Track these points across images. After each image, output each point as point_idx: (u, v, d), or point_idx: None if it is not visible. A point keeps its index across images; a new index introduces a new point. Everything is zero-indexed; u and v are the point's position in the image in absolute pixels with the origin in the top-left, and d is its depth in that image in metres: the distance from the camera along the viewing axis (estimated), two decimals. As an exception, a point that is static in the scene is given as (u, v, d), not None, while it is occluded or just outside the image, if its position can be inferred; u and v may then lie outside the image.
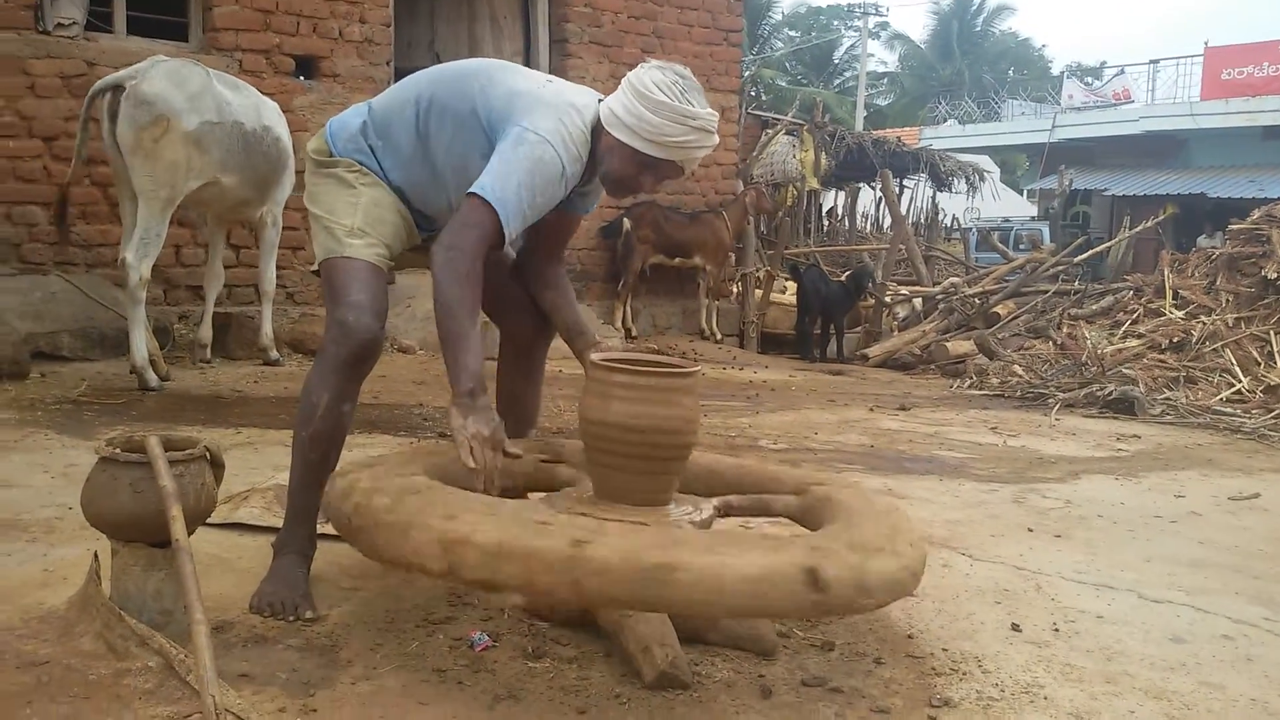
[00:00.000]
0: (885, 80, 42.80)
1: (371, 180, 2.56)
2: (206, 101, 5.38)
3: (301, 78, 7.50)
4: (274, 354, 6.39)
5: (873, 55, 40.17)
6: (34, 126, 6.50)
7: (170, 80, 5.28)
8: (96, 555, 2.26)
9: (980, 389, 7.65)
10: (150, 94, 5.20)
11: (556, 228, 2.63)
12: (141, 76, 5.23)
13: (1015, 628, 2.55)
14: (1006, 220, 24.67)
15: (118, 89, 5.22)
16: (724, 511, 2.46)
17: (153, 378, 5.28)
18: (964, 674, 2.26)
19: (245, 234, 7.26)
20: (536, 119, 2.37)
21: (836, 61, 40.95)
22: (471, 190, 2.33)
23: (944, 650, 2.38)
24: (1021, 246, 19.74)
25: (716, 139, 2.49)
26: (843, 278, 10.98)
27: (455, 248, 2.29)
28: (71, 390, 5.14)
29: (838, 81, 39.40)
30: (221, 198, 5.61)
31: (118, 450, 2.22)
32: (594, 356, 2.37)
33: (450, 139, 2.51)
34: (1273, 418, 6.03)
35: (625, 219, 9.06)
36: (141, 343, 5.31)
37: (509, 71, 2.55)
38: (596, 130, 2.46)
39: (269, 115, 5.82)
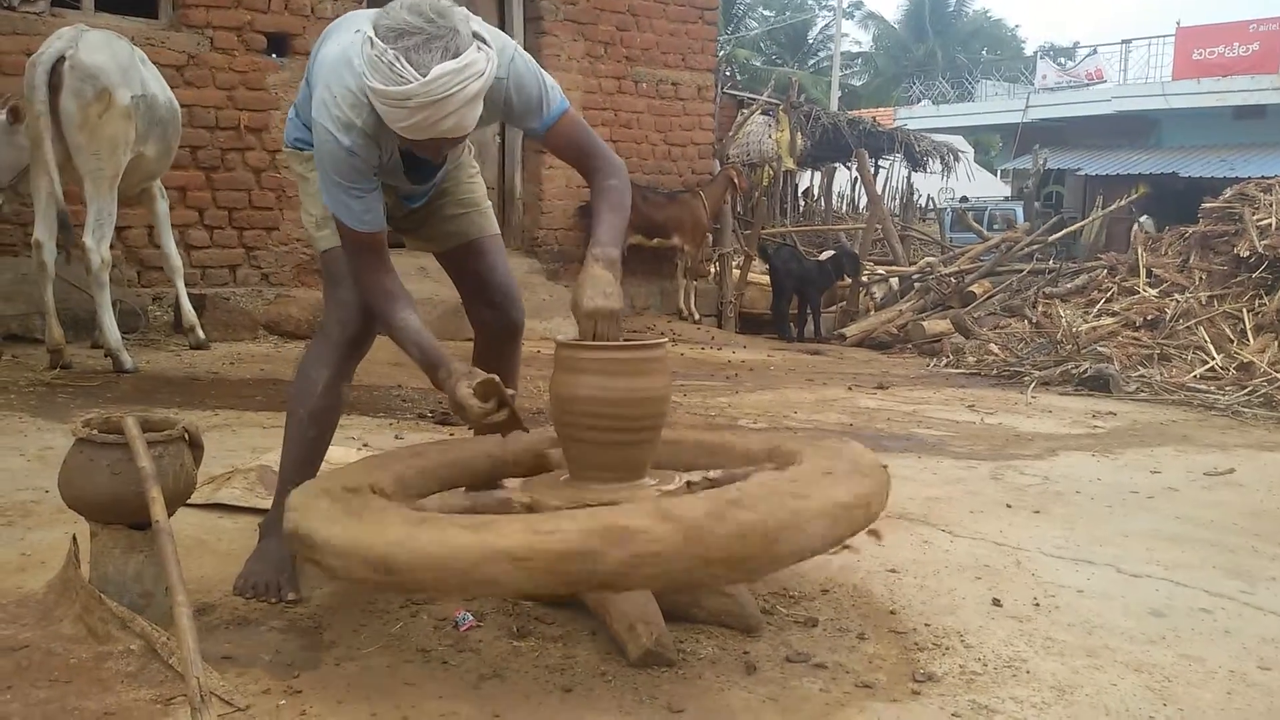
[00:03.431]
0: (859, 60, 42.76)
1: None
2: (134, 74, 5.25)
3: (274, 55, 7.41)
4: (200, 334, 6.19)
5: (847, 35, 40.06)
6: (1, 105, 6.38)
7: (106, 52, 5.11)
8: (75, 538, 2.24)
9: (957, 367, 7.69)
10: (93, 66, 5.00)
11: (557, 147, 2.46)
12: (79, 47, 5.01)
13: (996, 603, 2.57)
14: (972, 199, 24.73)
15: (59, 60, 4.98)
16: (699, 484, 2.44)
17: (127, 359, 5.23)
18: (947, 649, 2.27)
19: (219, 213, 7.19)
20: (316, 102, 2.26)
21: (811, 41, 40.89)
22: None
23: (926, 625, 2.39)
24: (996, 226, 19.81)
25: (470, 93, 2.09)
26: (822, 257, 10.98)
27: (352, 274, 2.38)
28: (45, 373, 5.08)
29: (812, 61, 39.33)
30: (135, 171, 5.44)
31: (95, 431, 2.20)
32: (559, 338, 2.33)
33: None
34: (1246, 394, 6.09)
35: (602, 199, 9.01)
36: (113, 324, 5.26)
37: (331, 36, 2.38)
38: None
39: (167, 88, 5.71)
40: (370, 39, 2.07)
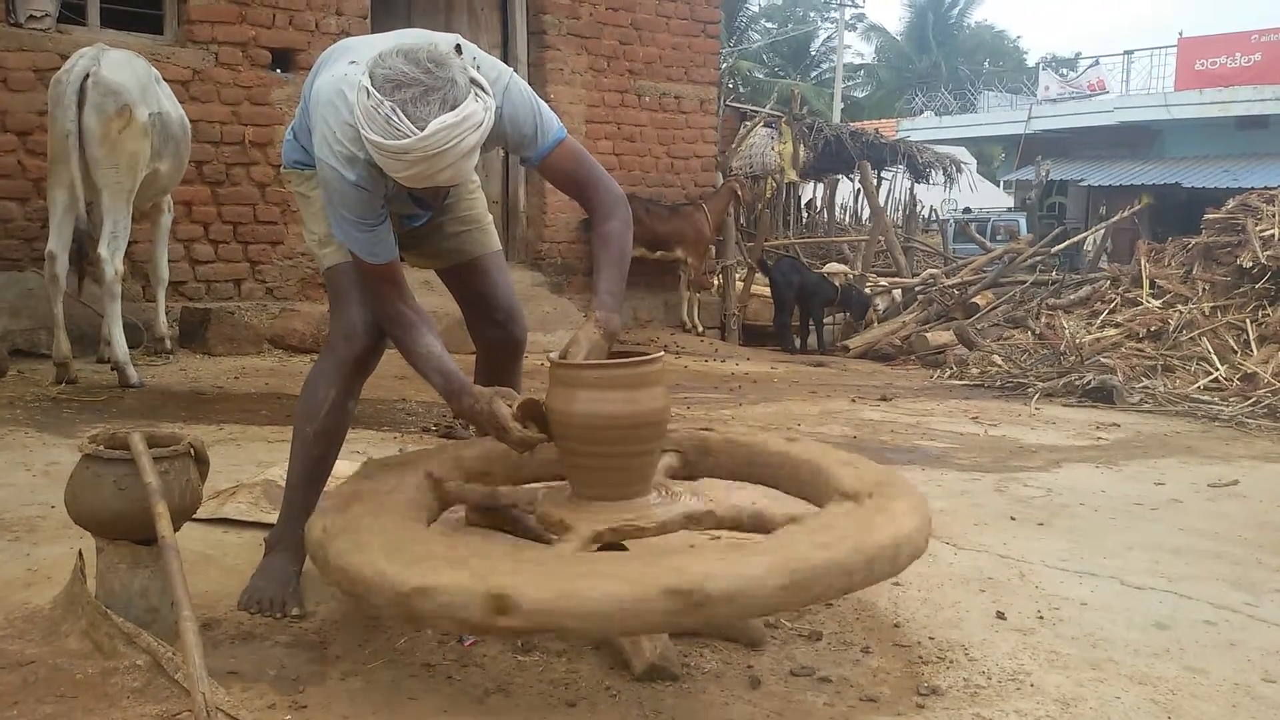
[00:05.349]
0: (862, 72, 42.86)
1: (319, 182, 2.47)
2: (151, 91, 5.39)
3: (278, 70, 7.44)
4: (168, 345, 6.27)
5: (849, 47, 40.23)
6: (7, 121, 6.42)
7: (127, 70, 5.25)
8: (81, 554, 2.25)
9: (960, 379, 7.69)
10: (116, 83, 5.14)
11: (551, 178, 2.46)
12: (102, 64, 5.14)
13: (1000, 615, 2.57)
14: (975, 210, 24.73)
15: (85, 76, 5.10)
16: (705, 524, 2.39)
17: (134, 374, 5.26)
18: (951, 662, 2.27)
19: (224, 228, 7.22)
20: (316, 139, 2.25)
21: (813, 53, 41.02)
22: None
23: (931, 639, 2.39)
24: (999, 237, 19.84)
25: (468, 145, 2.06)
26: (826, 270, 11.00)
27: (370, 303, 2.40)
28: (50, 388, 5.10)
29: (815, 73, 39.45)
30: (150, 186, 5.52)
31: (101, 447, 2.21)
32: (552, 356, 2.29)
33: None
34: (1250, 405, 6.08)
35: (606, 212, 9.04)
36: (123, 338, 5.30)
37: (325, 66, 2.37)
38: None
39: (179, 105, 5.82)
40: (367, 89, 2.02)
